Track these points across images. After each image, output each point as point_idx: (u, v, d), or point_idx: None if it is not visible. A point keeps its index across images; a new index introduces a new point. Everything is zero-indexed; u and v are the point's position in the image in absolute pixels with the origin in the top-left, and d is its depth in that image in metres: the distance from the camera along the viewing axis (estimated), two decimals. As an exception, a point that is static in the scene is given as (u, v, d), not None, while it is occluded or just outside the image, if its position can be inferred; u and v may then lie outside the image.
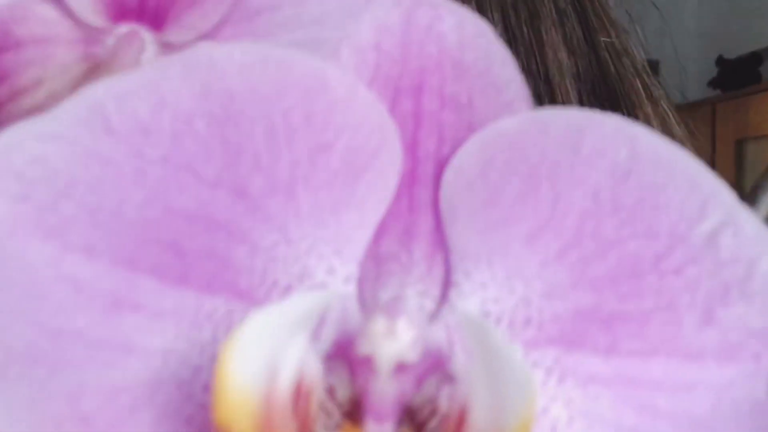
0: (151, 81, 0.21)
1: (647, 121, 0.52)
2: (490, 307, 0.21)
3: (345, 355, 0.20)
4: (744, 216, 0.21)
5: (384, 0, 0.24)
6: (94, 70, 0.26)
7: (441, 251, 0.22)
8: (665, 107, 0.53)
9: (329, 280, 0.21)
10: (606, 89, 0.52)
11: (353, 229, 0.22)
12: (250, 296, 0.20)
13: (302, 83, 0.22)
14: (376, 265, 0.22)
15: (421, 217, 0.23)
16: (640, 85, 0.53)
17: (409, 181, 0.23)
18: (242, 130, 0.22)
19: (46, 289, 0.19)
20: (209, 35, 0.26)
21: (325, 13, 0.27)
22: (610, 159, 0.22)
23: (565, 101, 0.50)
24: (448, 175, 0.23)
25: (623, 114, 0.52)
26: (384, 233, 0.22)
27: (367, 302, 0.21)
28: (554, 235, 0.22)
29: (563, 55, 0.50)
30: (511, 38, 0.49)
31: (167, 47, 0.26)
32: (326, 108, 0.22)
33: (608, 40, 0.53)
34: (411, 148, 0.23)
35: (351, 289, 0.21)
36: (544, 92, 0.50)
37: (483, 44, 0.24)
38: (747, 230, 0.21)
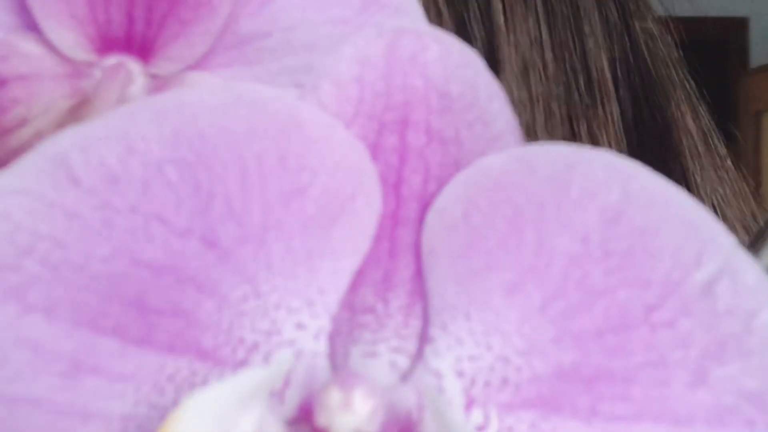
0: (118, 128, 0.21)
1: (678, 109, 0.51)
2: (465, 366, 0.20)
3: (309, 420, 0.19)
4: (744, 263, 0.20)
5: (365, 31, 0.23)
6: (80, 105, 0.25)
7: (420, 300, 0.21)
8: (697, 96, 0.52)
9: (298, 336, 0.20)
10: (640, 74, 0.51)
11: (327, 279, 0.21)
12: (213, 356, 0.20)
13: (275, 124, 0.21)
14: (350, 316, 0.21)
15: (401, 263, 0.22)
16: (674, 73, 0.52)
17: (391, 222, 0.22)
18: (214, 175, 0.21)
19: (4, 354, 0.19)
20: (197, 65, 0.26)
21: (316, 39, 0.26)
22: (600, 200, 0.21)
23: (600, 80, 0.49)
24: (430, 218, 0.22)
25: (657, 100, 0.50)
26: (362, 281, 0.21)
27: (339, 359, 0.20)
28: (537, 285, 0.20)
29: (599, 35, 0.49)
30: (550, 12, 0.48)
31: (156, 79, 0.26)
32: (301, 150, 0.21)
33: (644, 25, 0.52)
34: (395, 186, 0.22)
35: (321, 345, 0.20)
36: (581, 69, 0.49)
37: (470, 75, 0.22)
38: (746, 279, 0.20)
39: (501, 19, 0.47)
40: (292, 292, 0.21)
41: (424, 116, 0.22)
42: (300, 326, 0.20)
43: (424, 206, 0.22)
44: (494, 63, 0.47)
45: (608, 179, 0.21)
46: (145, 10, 0.25)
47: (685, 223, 0.20)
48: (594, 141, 0.50)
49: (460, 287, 0.21)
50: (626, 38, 0.49)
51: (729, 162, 0.53)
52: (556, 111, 0.48)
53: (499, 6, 0.48)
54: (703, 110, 0.54)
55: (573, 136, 0.48)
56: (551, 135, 0.48)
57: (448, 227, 0.21)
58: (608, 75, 0.49)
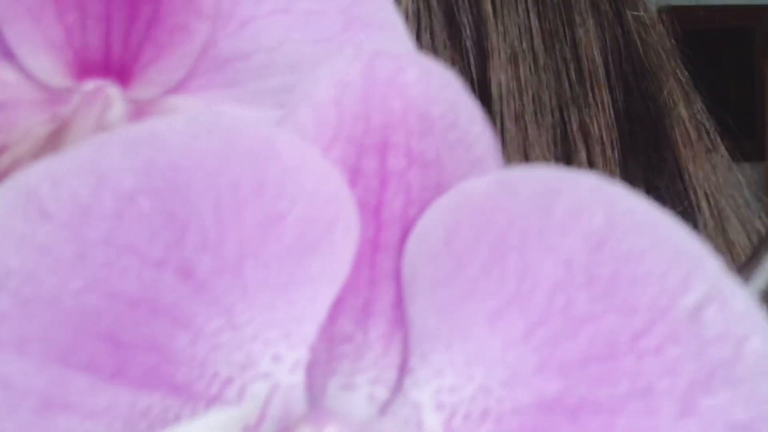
0: (89, 159, 0.20)
1: (671, 97, 0.50)
2: (445, 398, 0.19)
3: (284, 456, 0.18)
4: (731, 288, 0.19)
5: (342, 53, 0.22)
6: (59, 131, 0.25)
7: (401, 329, 0.21)
8: (690, 86, 0.52)
9: (274, 369, 0.20)
10: (632, 63, 0.50)
11: (305, 309, 0.20)
12: (187, 391, 0.19)
13: (251, 152, 0.21)
14: (329, 346, 0.20)
15: (382, 290, 0.21)
16: (666, 62, 0.52)
17: (371, 248, 0.22)
18: (188, 206, 0.20)
19: (-27, 394, 0.19)
20: (178, 89, 0.25)
21: (299, 58, 0.25)
22: (584, 224, 0.20)
23: (591, 69, 0.49)
24: (411, 244, 0.21)
25: (649, 89, 0.50)
26: (341, 310, 0.21)
27: (316, 391, 0.20)
28: (520, 313, 0.20)
29: (590, 24, 0.49)
30: (539, 1, 0.48)
31: (135, 103, 0.25)
32: (277, 177, 0.21)
33: (636, 14, 0.51)
34: (375, 211, 0.22)
35: (298, 377, 0.20)
36: (571, 58, 0.48)
37: (450, 96, 0.22)
38: (734, 305, 0.19)
39: (489, 8, 0.47)
40: (269, 323, 0.20)
41: (404, 139, 0.22)
42: (276, 358, 0.20)
43: (406, 231, 0.22)
44: (482, 52, 0.47)
45: (592, 203, 0.20)
46: (122, 34, 0.25)
47: (672, 246, 0.20)
48: (584, 130, 0.50)
49: (441, 316, 0.20)
50: (618, 27, 0.49)
51: (723, 150, 0.52)
52: (546, 100, 0.48)
53: None
54: (696, 99, 0.54)
55: (563, 125, 0.48)
56: (540, 125, 0.48)
57: (430, 253, 0.21)
58: (599, 64, 0.49)
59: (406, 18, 0.46)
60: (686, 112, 0.52)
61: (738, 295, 0.19)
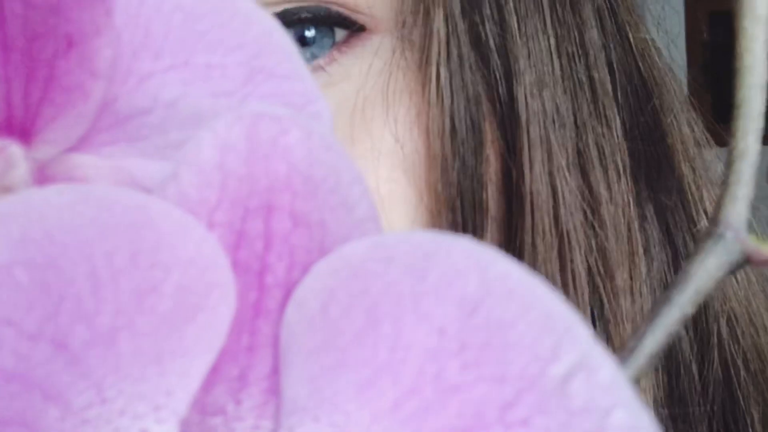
0: (-37, 233, 0.20)
1: (674, 116, 0.51)
2: (309, 476, 0.19)
3: None
4: (599, 358, 0.19)
5: (224, 116, 0.22)
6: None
7: (276, 400, 0.20)
8: (691, 107, 0.52)
9: (142, 445, 0.20)
10: (637, 84, 0.51)
11: (177, 381, 0.20)
12: (51, 471, 0.19)
13: (125, 221, 0.21)
14: (200, 419, 0.20)
15: (260, 358, 0.21)
16: (668, 81, 0.52)
17: (253, 314, 0.21)
18: (64, 277, 0.20)
19: None
20: (80, 146, 0.25)
21: (200, 112, 0.25)
22: (457, 290, 0.20)
23: (602, 91, 0.49)
24: (290, 309, 0.21)
25: (652, 108, 0.50)
26: (216, 379, 0.21)
27: (184, 466, 0.20)
28: (391, 383, 0.20)
29: (599, 45, 0.50)
30: (554, 20, 0.48)
31: (39, 163, 0.25)
32: (152, 246, 0.21)
33: (639, 36, 0.51)
34: (259, 275, 0.22)
35: (164, 453, 0.20)
36: (585, 79, 0.49)
37: (332, 158, 0.22)
38: (601, 375, 0.19)
39: (516, 32, 0.47)
40: (139, 396, 0.20)
41: (289, 201, 0.22)
42: (144, 433, 0.20)
43: (288, 296, 0.21)
44: (509, 75, 0.47)
45: (466, 268, 0.20)
46: (21, 95, 0.25)
47: (542, 313, 0.19)
48: (599, 150, 0.50)
49: (312, 386, 0.20)
50: (623, 48, 0.49)
51: (721, 167, 0.53)
52: (565, 122, 0.48)
53: (514, 17, 0.47)
54: (697, 118, 0.54)
55: (581, 148, 0.48)
56: (561, 147, 0.48)
57: (306, 320, 0.21)
58: (609, 85, 0.50)
59: (436, 43, 0.46)
60: (689, 132, 0.52)
61: (605, 365, 0.19)
